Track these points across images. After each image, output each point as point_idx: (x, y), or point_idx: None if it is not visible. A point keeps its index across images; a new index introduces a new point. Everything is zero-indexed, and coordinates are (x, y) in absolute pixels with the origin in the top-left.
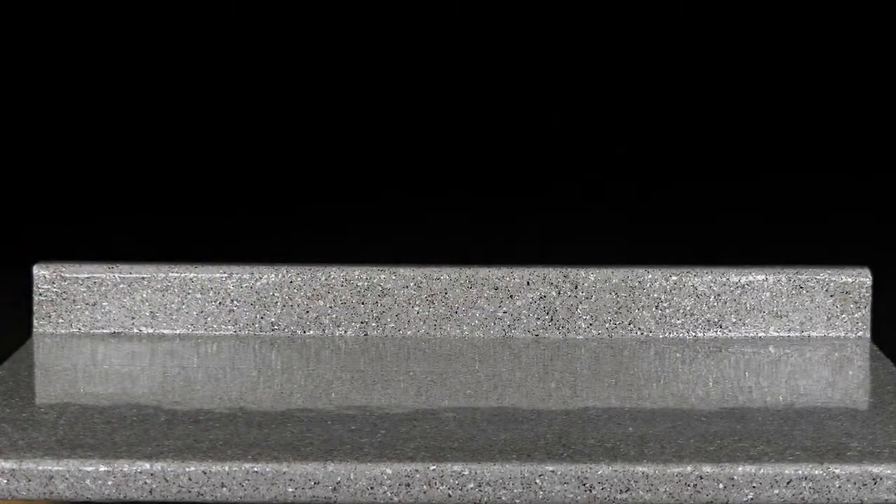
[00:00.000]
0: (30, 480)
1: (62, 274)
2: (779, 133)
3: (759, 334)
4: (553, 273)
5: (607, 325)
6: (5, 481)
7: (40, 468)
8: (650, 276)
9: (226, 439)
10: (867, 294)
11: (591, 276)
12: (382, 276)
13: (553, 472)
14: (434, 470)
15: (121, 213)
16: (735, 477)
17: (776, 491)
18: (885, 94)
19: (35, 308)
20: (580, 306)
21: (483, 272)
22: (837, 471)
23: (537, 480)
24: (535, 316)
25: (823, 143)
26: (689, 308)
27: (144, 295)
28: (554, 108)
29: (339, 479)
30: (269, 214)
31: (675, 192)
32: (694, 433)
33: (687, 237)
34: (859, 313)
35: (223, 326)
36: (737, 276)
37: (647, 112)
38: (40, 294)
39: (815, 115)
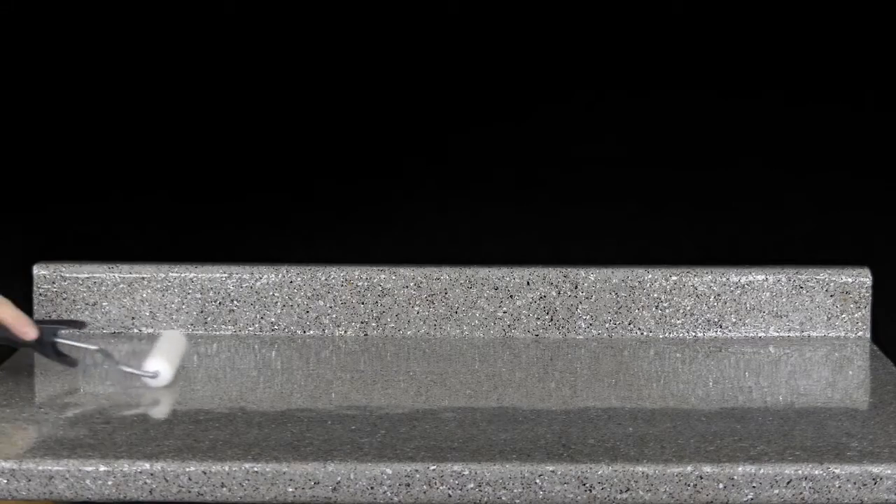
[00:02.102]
0: (30, 480)
1: (62, 274)
2: (778, 133)
3: (759, 334)
4: (553, 273)
5: (607, 325)
6: (5, 481)
7: (40, 468)
8: (650, 276)
9: (226, 439)
10: (867, 294)
11: (591, 276)
12: (382, 276)
13: (553, 472)
14: (434, 470)
15: (120, 211)
16: (735, 477)
17: (776, 491)
18: (885, 93)
19: (35, 308)
20: (580, 306)
21: (483, 272)
22: (837, 471)
23: (537, 480)
24: (535, 316)
25: (823, 143)
26: (689, 308)
27: (144, 295)
28: (554, 108)
29: (339, 479)
30: (268, 213)
31: (675, 192)
32: (694, 433)
33: (687, 237)
34: (859, 313)
35: (223, 326)
36: (737, 276)
37: (647, 112)
38: (40, 294)
39: (815, 114)
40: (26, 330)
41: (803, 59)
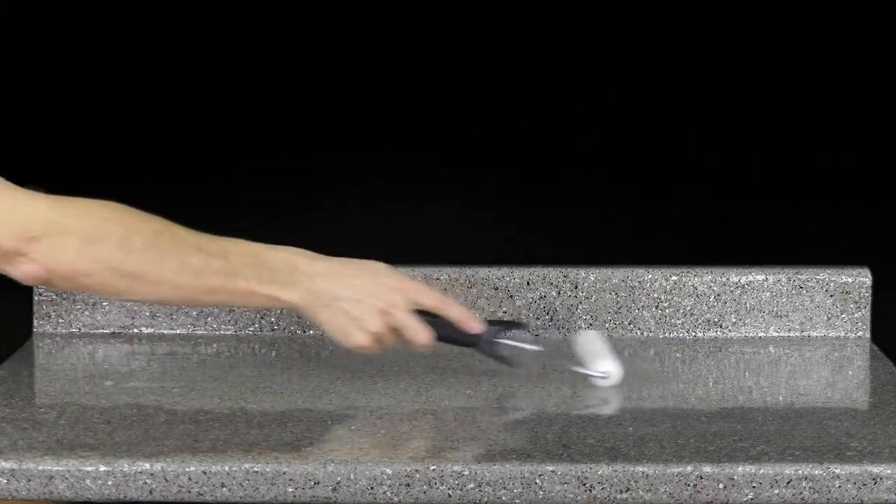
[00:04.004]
0: (30, 480)
1: None
2: (779, 133)
3: (759, 334)
4: (553, 273)
5: (607, 325)
6: (5, 481)
7: (40, 468)
8: (650, 276)
9: (226, 439)
10: (867, 294)
11: (591, 276)
12: None
13: (553, 472)
14: (434, 470)
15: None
16: (735, 477)
17: (776, 491)
18: (885, 93)
19: (35, 308)
20: (580, 306)
21: (483, 272)
22: (837, 471)
23: (537, 480)
24: (535, 316)
25: (824, 143)
26: (689, 308)
27: None
28: (554, 108)
29: (339, 479)
30: (268, 213)
31: (675, 192)
32: (694, 433)
33: (687, 237)
34: (859, 313)
35: (223, 326)
36: (737, 276)
37: (647, 112)
38: (40, 294)
39: (815, 114)
40: (473, 325)
41: (804, 59)
